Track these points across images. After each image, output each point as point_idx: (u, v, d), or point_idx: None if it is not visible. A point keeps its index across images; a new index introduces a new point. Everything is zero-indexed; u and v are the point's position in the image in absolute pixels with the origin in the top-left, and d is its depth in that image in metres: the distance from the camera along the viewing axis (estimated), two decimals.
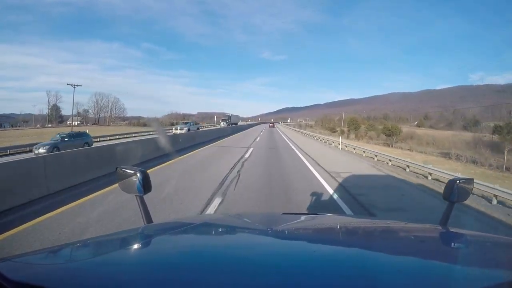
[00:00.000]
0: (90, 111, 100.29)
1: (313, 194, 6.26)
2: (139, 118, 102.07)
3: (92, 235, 3.51)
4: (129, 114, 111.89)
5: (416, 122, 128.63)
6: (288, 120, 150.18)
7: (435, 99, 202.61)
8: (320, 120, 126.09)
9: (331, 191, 6.55)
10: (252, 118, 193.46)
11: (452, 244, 1.08)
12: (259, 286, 0.66)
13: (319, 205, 5.68)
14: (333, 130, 72.69)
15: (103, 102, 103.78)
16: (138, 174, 1.22)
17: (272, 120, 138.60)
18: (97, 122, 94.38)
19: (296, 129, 62.83)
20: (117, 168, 1.28)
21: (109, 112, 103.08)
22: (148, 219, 1.29)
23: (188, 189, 6.25)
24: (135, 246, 1.01)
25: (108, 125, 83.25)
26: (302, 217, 1.62)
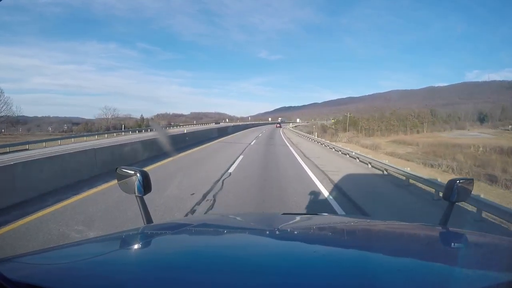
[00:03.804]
0: None
1: None
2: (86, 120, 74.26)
3: None
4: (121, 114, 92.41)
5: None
6: (298, 120, 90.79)
7: (440, 97, 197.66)
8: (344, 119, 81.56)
9: None
10: (242, 119, 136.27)
11: (452, 244, 1.10)
12: (259, 286, 0.67)
13: None
14: None
15: None
16: (138, 175, 1.25)
17: (269, 119, 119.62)
18: None
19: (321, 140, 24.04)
20: (117, 168, 1.30)
21: None
22: (148, 219, 1.31)
23: None
24: (135, 246, 1.04)
25: None
26: (302, 217, 1.64)
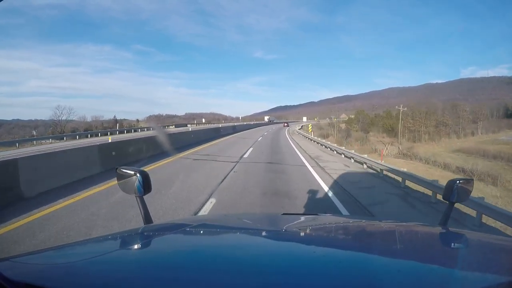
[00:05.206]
0: None
1: None
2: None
3: None
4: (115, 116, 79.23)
5: None
6: (304, 119, 72.99)
7: (439, 93, 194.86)
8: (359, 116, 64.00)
9: None
10: (235, 119, 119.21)
11: (452, 244, 1.10)
12: (258, 287, 0.68)
13: None
14: None
15: None
16: (138, 175, 1.25)
17: (265, 118, 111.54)
18: None
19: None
20: (116, 168, 1.31)
21: None
22: (148, 219, 1.32)
23: None
24: (135, 246, 1.04)
25: None
26: (302, 218, 1.67)
